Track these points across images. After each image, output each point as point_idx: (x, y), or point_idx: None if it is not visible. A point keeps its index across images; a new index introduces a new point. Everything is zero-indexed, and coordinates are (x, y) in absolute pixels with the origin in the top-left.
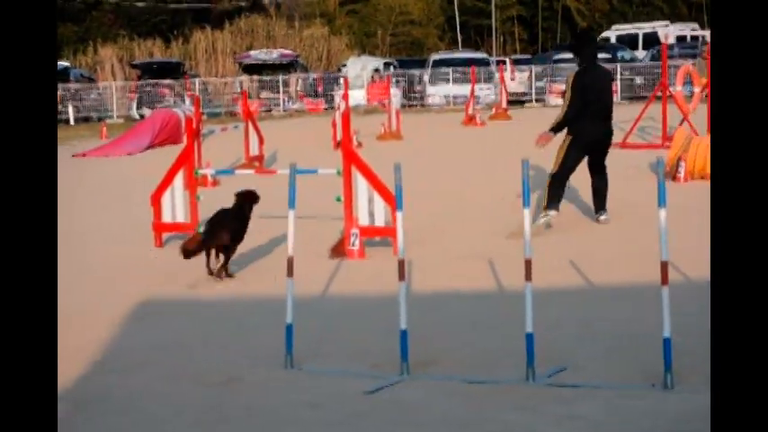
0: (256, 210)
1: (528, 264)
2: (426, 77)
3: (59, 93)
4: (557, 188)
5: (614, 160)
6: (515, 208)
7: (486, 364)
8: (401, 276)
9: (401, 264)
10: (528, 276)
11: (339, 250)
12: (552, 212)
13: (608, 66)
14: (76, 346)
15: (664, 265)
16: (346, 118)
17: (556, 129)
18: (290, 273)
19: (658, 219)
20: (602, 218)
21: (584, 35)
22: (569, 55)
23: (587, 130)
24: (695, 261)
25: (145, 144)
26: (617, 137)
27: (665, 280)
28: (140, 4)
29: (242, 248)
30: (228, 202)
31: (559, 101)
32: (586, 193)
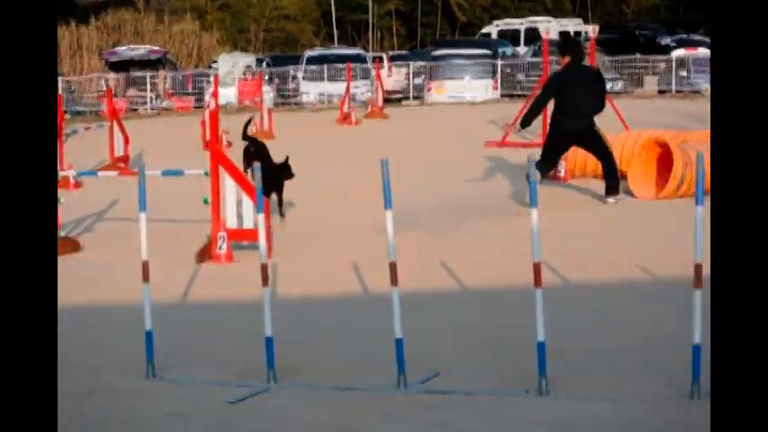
0: (121, 213)
1: (393, 267)
2: (300, 75)
3: None
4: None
5: (493, 159)
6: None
7: (355, 372)
8: (264, 281)
9: (264, 268)
10: (393, 280)
11: (206, 254)
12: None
13: (488, 61)
14: None
15: (536, 267)
16: (214, 117)
17: (522, 122)
18: (145, 278)
19: (530, 218)
20: (609, 200)
21: (571, 40)
22: (449, 50)
23: (561, 126)
24: (571, 262)
25: None
26: (497, 135)
27: (538, 282)
28: None
29: (104, 254)
30: (91, 205)
31: (439, 97)
32: (453, 194)
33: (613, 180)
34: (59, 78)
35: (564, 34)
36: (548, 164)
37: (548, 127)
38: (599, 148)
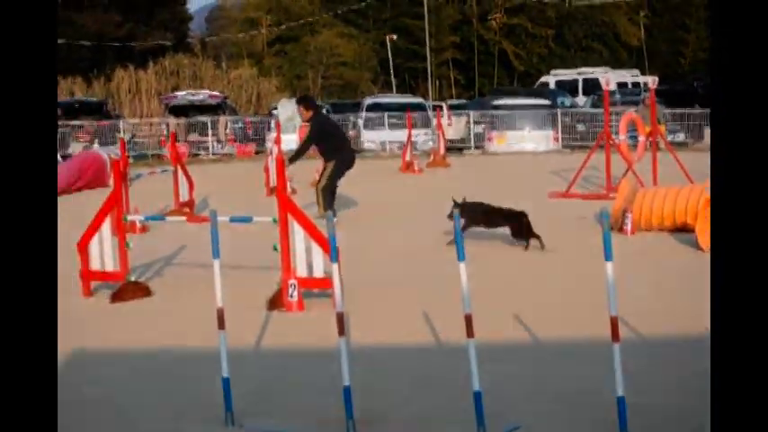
0: (189, 258)
1: (468, 319)
2: (361, 122)
3: None
4: None
5: (558, 210)
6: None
7: (435, 423)
8: (341, 331)
9: (340, 317)
10: (469, 333)
11: (277, 301)
12: None
13: (548, 112)
14: None
15: (614, 321)
16: (280, 163)
17: None
18: (221, 325)
19: (605, 273)
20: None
21: None
22: (509, 100)
23: None
24: (646, 316)
25: (66, 186)
26: (560, 186)
27: (615, 336)
28: (60, 41)
29: (175, 299)
30: (158, 250)
31: (500, 147)
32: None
33: None
34: (121, 121)
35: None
36: None
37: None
38: None
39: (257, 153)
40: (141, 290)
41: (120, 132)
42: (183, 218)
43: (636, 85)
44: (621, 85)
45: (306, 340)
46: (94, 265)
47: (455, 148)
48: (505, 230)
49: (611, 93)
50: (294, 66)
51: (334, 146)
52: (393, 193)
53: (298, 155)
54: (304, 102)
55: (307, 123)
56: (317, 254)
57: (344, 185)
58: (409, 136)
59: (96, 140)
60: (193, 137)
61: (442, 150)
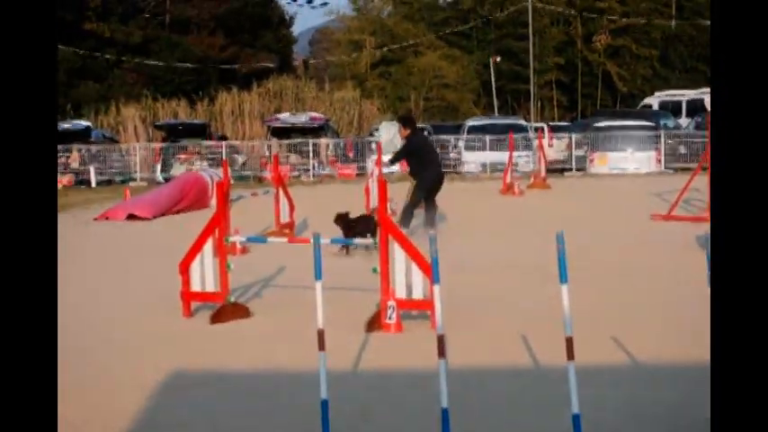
0: (289, 280)
1: (569, 342)
2: (462, 144)
3: (81, 153)
4: None
5: (660, 233)
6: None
7: None
8: (440, 353)
9: (440, 339)
10: (570, 355)
11: (375, 323)
12: None
13: (651, 133)
14: (102, 418)
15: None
16: (382, 185)
17: None
18: (321, 346)
19: (708, 295)
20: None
21: None
22: (611, 122)
23: None
24: None
25: (169, 207)
26: (662, 208)
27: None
28: (164, 64)
29: (275, 320)
30: (258, 271)
31: (602, 169)
32: (623, 266)
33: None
34: (224, 143)
35: None
36: None
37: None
38: None
39: (358, 175)
40: (241, 311)
41: (238, 155)
42: (284, 239)
43: None
44: None
45: (404, 363)
46: (195, 286)
47: (556, 169)
48: None
49: None
50: (397, 87)
51: (420, 163)
52: (494, 214)
53: (394, 161)
54: (402, 120)
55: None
56: (417, 275)
57: (445, 206)
58: (510, 157)
59: (199, 161)
60: (294, 158)
61: (543, 172)
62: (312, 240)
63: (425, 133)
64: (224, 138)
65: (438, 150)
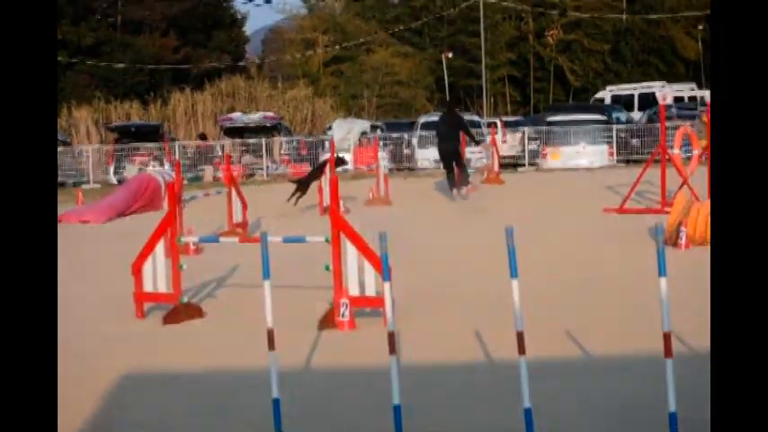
0: (242, 279)
1: (520, 336)
2: (415, 140)
3: None
4: None
5: (612, 225)
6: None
7: None
8: (391, 350)
9: (391, 336)
10: (521, 349)
11: (328, 321)
12: None
13: (604, 127)
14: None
15: (666, 336)
16: (334, 183)
17: None
18: (271, 345)
19: (659, 288)
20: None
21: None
22: (564, 116)
23: None
24: (700, 331)
25: (123, 210)
26: (615, 201)
27: (668, 352)
28: (117, 66)
29: (226, 320)
30: (211, 271)
31: (555, 163)
32: (573, 260)
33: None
34: (176, 143)
35: None
36: None
37: None
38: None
39: None
40: (194, 311)
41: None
42: (236, 239)
43: (692, 99)
44: (678, 100)
45: (356, 360)
46: (148, 286)
47: (510, 165)
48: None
49: (668, 107)
50: (350, 85)
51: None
52: (447, 209)
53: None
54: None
55: None
56: (369, 272)
57: (399, 202)
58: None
59: (151, 163)
60: (248, 158)
61: (497, 168)
62: (273, 239)
63: (379, 131)
64: (173, 139)
65: (390, 147)
